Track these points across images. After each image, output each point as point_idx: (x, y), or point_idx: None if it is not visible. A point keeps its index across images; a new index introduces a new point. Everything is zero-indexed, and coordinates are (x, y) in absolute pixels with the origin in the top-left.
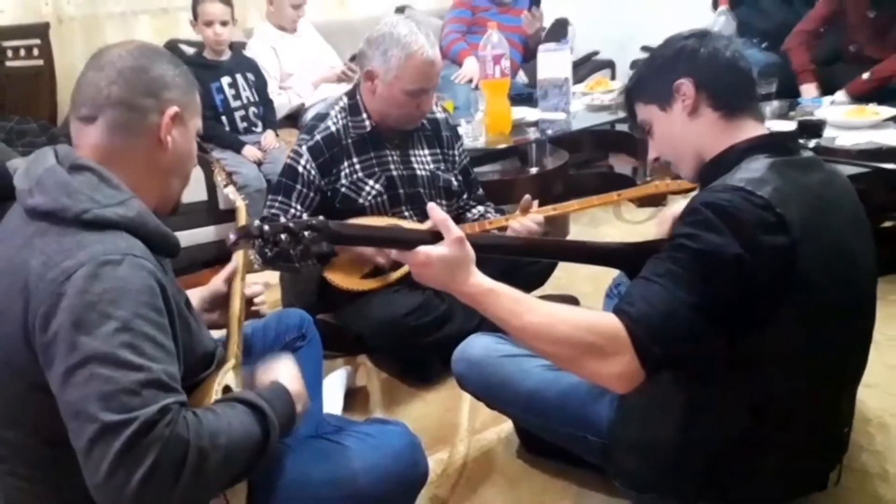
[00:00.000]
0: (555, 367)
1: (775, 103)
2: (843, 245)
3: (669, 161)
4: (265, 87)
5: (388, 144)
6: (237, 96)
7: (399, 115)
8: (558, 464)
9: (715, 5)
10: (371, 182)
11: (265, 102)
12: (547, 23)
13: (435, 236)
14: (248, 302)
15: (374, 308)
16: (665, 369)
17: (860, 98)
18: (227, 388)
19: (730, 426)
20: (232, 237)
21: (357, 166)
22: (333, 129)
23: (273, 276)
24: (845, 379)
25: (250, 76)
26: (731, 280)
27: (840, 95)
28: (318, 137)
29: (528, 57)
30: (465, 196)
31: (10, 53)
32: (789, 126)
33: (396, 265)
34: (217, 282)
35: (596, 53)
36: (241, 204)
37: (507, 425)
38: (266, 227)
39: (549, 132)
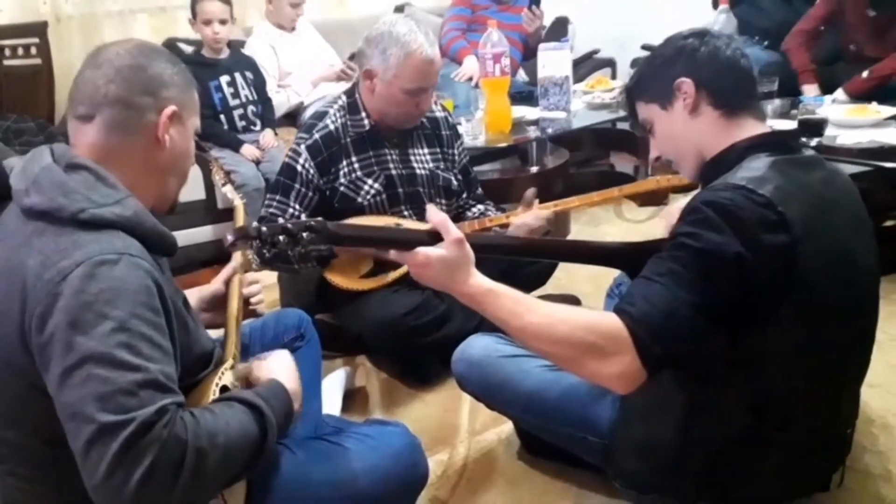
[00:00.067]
0: (555, 367)
1: (777, 102)
2: (844, 244)
3: (671, 160)
4: (264, 85)
5: (387, 143)
6: (236, 95)
7: (398, 114)
8: (559, 465)
9: (715, 4)
10: (370, 181)
11: (264, 101)
12: (547, 21)
13: (434, 237)
14: (246, 301)
15: (373, 308)
16: (666, 369)
17: (859, 97)
18: (224, 389)
19: (730, 426)
20: (230, 238)
21: (356, 165)
22: (332, 127)
23: (271, 276)
24: (846, 379)
25: (249, 75)
26: (732, 279)
27: (839, 94)
28: (316, 136)
29: (528, 55)
30: (464, 195)
31: (7, 52)
32: (791, 125)
33: (395, 265)
34: (216, 282)
35: (596, 52)
36: (239, 203)
37: (507, 426)
38: (264, 229)
39: (550, 131)
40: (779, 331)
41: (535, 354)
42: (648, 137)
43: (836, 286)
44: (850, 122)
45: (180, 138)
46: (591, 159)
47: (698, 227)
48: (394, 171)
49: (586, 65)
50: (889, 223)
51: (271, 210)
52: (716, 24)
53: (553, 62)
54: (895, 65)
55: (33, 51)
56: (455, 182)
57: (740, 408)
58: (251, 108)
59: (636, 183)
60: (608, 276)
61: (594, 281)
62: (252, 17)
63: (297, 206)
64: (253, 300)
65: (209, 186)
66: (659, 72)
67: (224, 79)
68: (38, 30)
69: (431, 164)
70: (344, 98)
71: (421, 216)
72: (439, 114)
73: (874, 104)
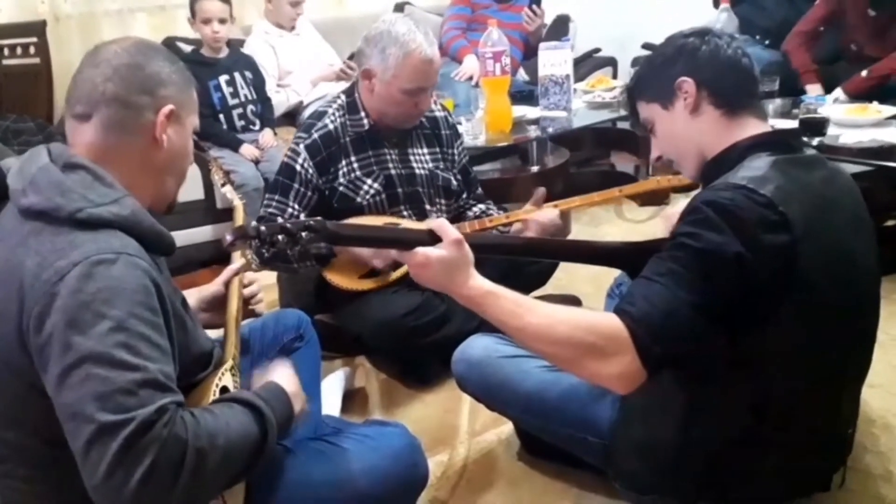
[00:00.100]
0: (555, 368)
1: (778, 101)
2: (844, 244)
3: (672, 160)
4: (263, 85)
5: (387, 143)
6: (235, 94)
7: (397, 114)
8: (558, 465)
9: (716, 3)
10: (369, 181)
11: (263, 100)
12: (548, 20)
13: (434, 237)
14: (245, 302)
15: (372, 308)
16: (666, 369)
17: (857, 96)
18: (224, 389)
19: (730, 426)
20: (228, 238)
21: (355, 165)
22: (331, 127)
23: (270, 277)
24: (846, 379)
25: (248, 74)
26: (732, 279)
27: (838, 94)
28: (315, 136)
29: (528, 54)
30: (464, 195)
31: (6, 52)
32: (792, 124)
33: (395, 266)
34: (216, 284)
35: (597, 51)
36: (238, 203)
37: (507, 427)
38: (263, 228)
39: (550, 130)
40: (779, 331)
41: (535, 355)
42: (649, 137)
43: (837, 286)
44: (851, 122)
45: (178, 137)
46: (592, 159)
47: (698, 226)
48: (393, 171)
49: (587, 64)
50: (890, 223)
51: (270, 210)
52: (717, 23)
53: (554, 61)
54: (893, 65)
55: (32, 50)
56: (455, 182)
57: (740, 408)
58: (250, 107)
59: (637, 183)
60: (608, 276)
61: (594, 281)
62: (251, 16)
63: (296, 206)
64: (252, 300)
65: (208, 186)
66: (660, 71)
67: (223, 78)
68: (37, 29)
69: (431, 164)
70: (343, 97)
71: (420, 216)
72: (439, 113)
73: (875, 104)
